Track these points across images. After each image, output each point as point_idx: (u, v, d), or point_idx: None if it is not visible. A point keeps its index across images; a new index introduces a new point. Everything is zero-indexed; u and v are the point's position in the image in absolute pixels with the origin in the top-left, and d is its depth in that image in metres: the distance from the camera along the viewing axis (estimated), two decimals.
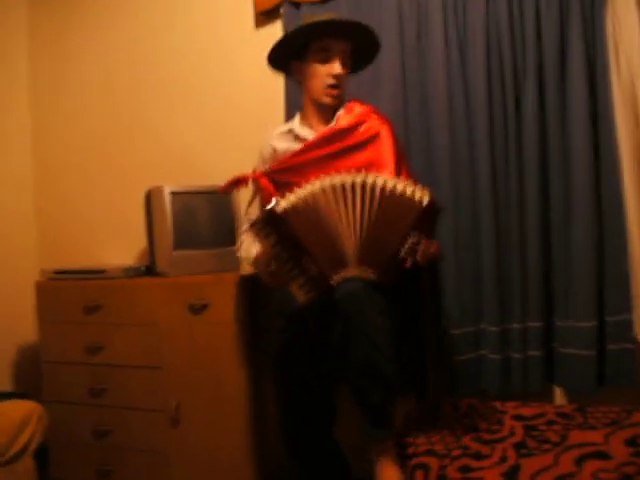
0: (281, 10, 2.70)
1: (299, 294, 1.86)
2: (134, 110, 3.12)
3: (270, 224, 1.84)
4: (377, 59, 2.41)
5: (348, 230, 1.85)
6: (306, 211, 1.85)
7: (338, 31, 2.09)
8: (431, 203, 1.83)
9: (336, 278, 1.84)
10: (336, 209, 1.86)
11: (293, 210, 1.84)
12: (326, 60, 2.10)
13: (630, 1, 2.22)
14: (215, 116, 2.94)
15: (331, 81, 2.10)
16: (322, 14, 2.14)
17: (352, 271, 1.84)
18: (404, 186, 1.85)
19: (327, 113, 2.18)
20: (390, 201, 1.85)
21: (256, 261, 2.09)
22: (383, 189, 1.85)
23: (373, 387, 1.79)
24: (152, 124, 3.08)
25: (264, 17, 2.80)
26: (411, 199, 1.83)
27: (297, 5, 2.66)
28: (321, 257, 1.85)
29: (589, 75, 2.30)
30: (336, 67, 2.09)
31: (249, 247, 2.16)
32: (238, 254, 2.28)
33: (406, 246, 1.82)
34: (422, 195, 1.83)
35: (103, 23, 3.17)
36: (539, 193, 2.36)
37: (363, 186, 1.85)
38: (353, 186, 1.86)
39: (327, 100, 2.14)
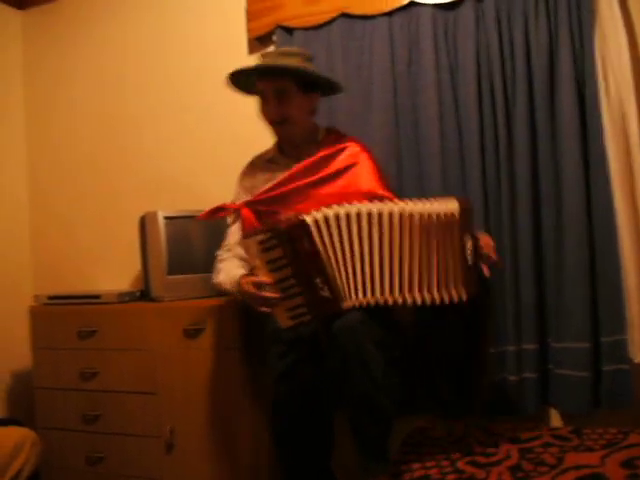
0: (274, 36, 2.73)
1: (282, 318, 1.84)
2: (129, 134, 3.13)
3: (283, 236, 1.80)
4: (368, 85, 2.43)
5: (393, 258, 1.84)
6: (338, 230, 1.83)
7: (266, 73, 2.10)
8: (463, 207, 1.84)
9: (351, 302, 1.83)
10: (375, 236, 1.84)
11: (325, 224, 1.83)
12: (264, 101, 2.13)
13: (618, 22, 2.25)
14: (209, 140, 2.96)
15: (269, 121, 2.15)
16: (267, 53, 2.20)
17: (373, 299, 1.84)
18: (437, 204, 1.86)
19: (302, 140, 2.19)
20: (429, 222, 1.83)
21: (240, 281, 2.00)
22: (412, 216, 1.83)
23: (370, 421, 1.79)
24: (147, 148, 3.09)
25: (257, 43, 2.83)
26: (445, 213, 1.83)
27: (290, 31, 2.69)
28: (339, 281, 1.83)
29: (579, 96, 2.33)
30: (270, 108, 2.12)
31: (231, 270, 2.10)
32: (215, 280, 2.19)
33: (469, 252, 1.83)
34: (453, 205, 1.84)
35: (96, 46, 3.19)
36: (531, 214, 2.37)
37: (401, 215, 1.83)
38: (390, 215, 1.84)
39: (277, 134, 2.20)
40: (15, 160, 3.30)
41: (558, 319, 2.36)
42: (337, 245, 1.83)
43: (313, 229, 1.82)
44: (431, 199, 1.89)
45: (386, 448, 1.84)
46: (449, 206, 1.84)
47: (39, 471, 2.37)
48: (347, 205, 1.86)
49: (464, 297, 1.83)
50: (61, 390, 2.58)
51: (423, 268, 1.83)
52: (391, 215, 1.83)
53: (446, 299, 1.84)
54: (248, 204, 2.14)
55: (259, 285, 1.86)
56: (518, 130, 2.38)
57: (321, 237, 1.82)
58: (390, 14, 2.54)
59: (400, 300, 1.83)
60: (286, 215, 1.88)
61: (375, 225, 1.83)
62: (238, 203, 2.19)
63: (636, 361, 2.22)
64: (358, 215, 1.84)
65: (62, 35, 3.27)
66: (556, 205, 2.36)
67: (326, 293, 1.82)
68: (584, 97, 2.34)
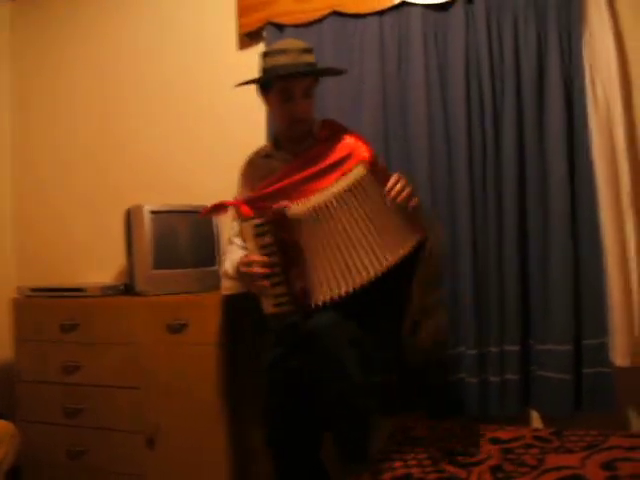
0: (264, 32, 2.72)
1: (269, 303, 1.86)
2: (118, 128, 3.12)
3: (271, 224, 1.84)
4: (358, 84, 2.43)
5: (366, 232, 1.88)
6: (315, 223, 1.85)
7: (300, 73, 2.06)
8: (368, 162, 1.92)
9: (324, 297, 1.84)
10: (334, 225, 1.87)
11: (305, 218, 1.84)
12: (288, 99, 2.07)
13: (606, 26, 2.26)
14: (199, 135, 2.95)
15: (294, 118, 2.09)
16: (282, 49, 2.06)
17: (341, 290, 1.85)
18: (345, 177, 1.92)
19: (301, 135, 2.17)
20: (356, 192, 1.89)
21: (240, 263, 1.98)
22: (343, 190, 1.89)
23: (347, 421, 1.79)
24: (136, 143, 3.08)
25: (248, 39, 2.83)
26: (359, 176, 1.90)
27: (280, 27, 2.69)
28: (317, 274, 1.84)
29: (566, 99, 2.35)
30: (298, 107, 2.07)
31: (233, 256, 2.08)
32: (222, 270, 2.18)
33: (389, 198, 1.89)
34: (358, 168, 1.92)
35: (90, 41, 3.18)
36: (517, 217, 2.38)
37: (335, 199, 1.88)
38: (331, 202, 1.88)
39: (293, 132, 2.14)
40: (0, 148, 3.28)
41: (541, 321, 2.38)
42: (317, 238, 1.85)
43: (294, 222, 1.83)
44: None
45: (365, 447, 1.84)
46: (353, 172, 1.92)
47: (19, 464, 2.36)
48: (318, 195, 1.89)
49: (416, 241, 1.92)
50: (43, 383, 2.56)
51: (380, 233, 1.89)
52: (331, 202, 1.87)
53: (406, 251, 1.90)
54: (247, 201, 2.13)
55: (248, 263, 1.89)
56: (506, 132, 2.39)
57: (305, 229, 1.84)
58: (381, 13, 2.54)
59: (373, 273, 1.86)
60: (278, 204, 1.89)
61: (339, 210, 1.87)
62: (237, 200, 2.19)
63: (617, 364, 2.24)
64: (326, 206, 1.87)
65: (52, 26, 3.25)
66: (542, 207, 2.38)
67: (298, 287, 1.85)
68: (572, 100, 2.36)
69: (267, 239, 1.85)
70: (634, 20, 2.34)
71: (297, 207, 1.85)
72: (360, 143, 2.13)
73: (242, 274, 1.93)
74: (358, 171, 1.91)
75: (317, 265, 1.85)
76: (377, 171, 1.93)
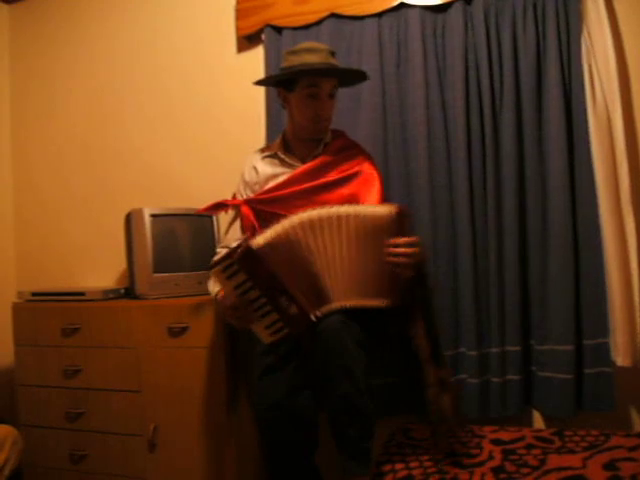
0: (263, 35, 2.72)
1: (264, 334, 1.86)
2: (117, 132, 3.12)
3: (239, 262, 1.79)
4: (357, 85, 2.44)
5: (334, 265, 1.84)
6: (283, 247, 1.82)
7: (330, 73, 2.09)
8: (399, 212, 1.82)
9: (320, 311, 1.84)
10: (314, 244, 1.84)
11: (270, 246, 1.81)
12: (315, 96, 2.08)
13: (605, 27, 2.27)
14: (197, 138, 2.96)
15: (318, 117, 2.11)
16: (312, 48, 2.09)
17: (337, 304, 1.84)
18: (371, 207, 1.87)
19: (312, 140, 2.18)
20: (362, 226, 1.83)
21: (217, 301, 2.03)
22: (355, 216, 1.83)
23: (351, 422, 1.79)
24: (135, 146, 3.08)
25: (246, 41, 2.83)
26: (379, 216, 1.83)
27: (279, 30, 2.69)
28: (300, 295, 1.84)
29: (565, 100, 2.35)
30: (325, 104, 2.09)
31: (214, 284, 2.09)
32: (209, 287, 2.19)
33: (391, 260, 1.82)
34: (388, 209, 1.83)
35: (87, 45, 3.18)
36: (517, 217, 2.38)
37: (338, 218, 1.83)
38: (328, 219, 1.84)
39: (314, 131, 2.15)
40: None
41: (542, 321, 2.38)
42: (289, 260, 1.83)
43: (261, 252, 1.80)
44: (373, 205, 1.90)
45: (367, 449, 1.84)
46: (382, 209, 1.84)
47: (21, 468, 2.36)
48: (285, 221, 1.84)
49: (382, 304, 1.85)
50: (44, 387, 2.56)
51: (353, 272, 1.85)
52: (328, 219, 1.84)
53: (368, 304, 1.85)
54: (248, 202, 2.13)
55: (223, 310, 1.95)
56: (505, 133, 2.39)
57: (274, 256, 1.82)
58: (379, 15, 2.55)
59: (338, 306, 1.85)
60: (241, 239, 1.89)
61: (313, 232, 1.84)
62: (238, 200, 2.19)
63: (618, 364, 2.24)
64: (294, 228, 1.83)
65: (50, 30, 3.25)
66: (542, 208, 2.38)
67: (294, 310, 1.83)
68: (570, 100, 2.35)
69: (239, 278, 1.81)
70: (633, 20, 2.35)
71: (260, 238, 1.82)
72: (368, 164, 2.13)
73: (227, 313, 1.95)
74: (383, 208, 1.85)
75: (296, 288, 1.84)
76: (401, 229, 1.85)
